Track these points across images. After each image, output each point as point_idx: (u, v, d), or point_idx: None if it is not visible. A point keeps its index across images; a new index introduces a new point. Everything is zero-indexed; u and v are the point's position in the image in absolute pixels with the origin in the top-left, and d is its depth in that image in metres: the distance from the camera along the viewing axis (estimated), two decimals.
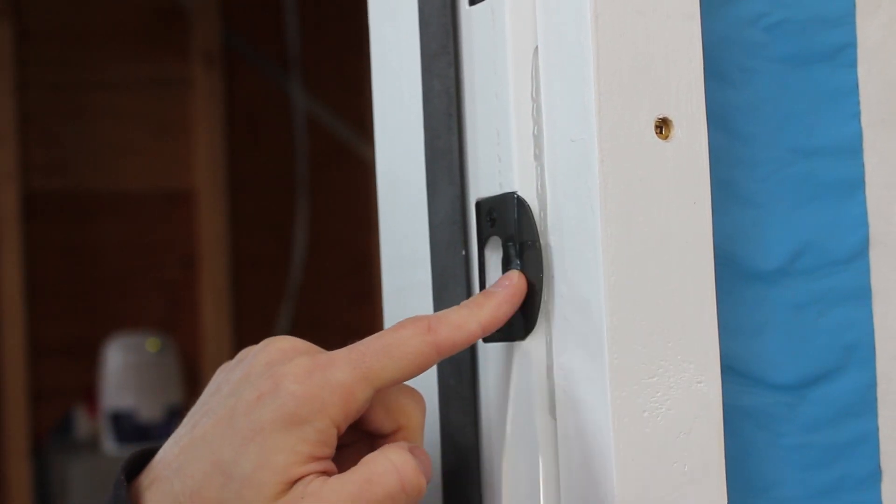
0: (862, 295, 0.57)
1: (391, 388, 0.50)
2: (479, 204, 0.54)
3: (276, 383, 0.47)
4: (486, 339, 0.53)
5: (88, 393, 2.40)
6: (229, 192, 2.61)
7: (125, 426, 2.27)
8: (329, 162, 2.71)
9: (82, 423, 2.43)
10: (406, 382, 0.50)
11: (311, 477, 0.46)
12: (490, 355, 0.54)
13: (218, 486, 0.46)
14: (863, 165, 0.58)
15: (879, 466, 0.57)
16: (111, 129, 2.54)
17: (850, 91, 0.58)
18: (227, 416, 0.47)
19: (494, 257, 0.54)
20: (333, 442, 0.47)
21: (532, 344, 0.52)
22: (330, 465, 0.47)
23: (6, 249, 2.41)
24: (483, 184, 0.54)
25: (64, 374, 2.47)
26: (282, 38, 2.69)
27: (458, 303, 0.54)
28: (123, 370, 2.29)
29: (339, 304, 2.66)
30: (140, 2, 2.57)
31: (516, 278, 0.52)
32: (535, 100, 0.52)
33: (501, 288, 0.51)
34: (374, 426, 0.50)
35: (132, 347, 2.31)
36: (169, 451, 0.49)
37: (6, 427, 2.40)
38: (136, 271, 2.55)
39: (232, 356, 0.52)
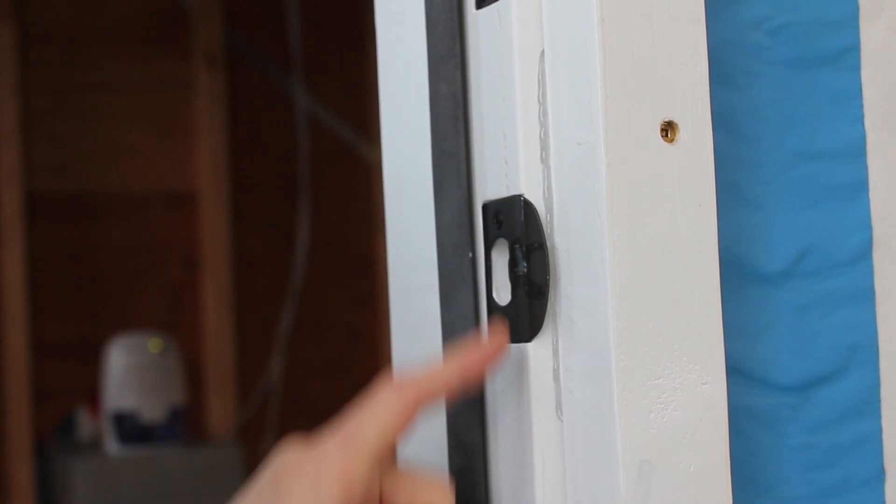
0: (865, 296, 0.58)
1: (416, 480, 0.51)
2: (485, 206, 0.54)
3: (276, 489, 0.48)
4: None
5: (91, 393, 2.40)
6: (231, 193, 2.61)
7: (127, 427, 2.27)
8: (331, 163, 2.71)
9: (84, 424, 2.43)
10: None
11: None
12: None
13: None
14: (866, 168, 0.58)
15: (883, 467, 0.58)
16: (114, 129, 2.54)
17: (854, 94, 0.58)
18: None
19: (501, 259, 0.54)
20: None
21: (538, 345, 0.52)
22: None
23: (9, 250, 2.41)
24: (490, 186, 0.55)
25: (66, 375, 2.47)
26: (284, 38, 2.69)
27: (464, 305, 0.55)
28: (126, 371, 2.29)
29: (341, 305, 2.65)
30: (142, 3, 2.57)
31: (499, 332, 0.52)
32: (542, 103, 0.53)
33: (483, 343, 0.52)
34: None
35: (134, 348, 2.31)
36: None
37: (8, 427, 2.41)
38: (139, 272, 2.55)
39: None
